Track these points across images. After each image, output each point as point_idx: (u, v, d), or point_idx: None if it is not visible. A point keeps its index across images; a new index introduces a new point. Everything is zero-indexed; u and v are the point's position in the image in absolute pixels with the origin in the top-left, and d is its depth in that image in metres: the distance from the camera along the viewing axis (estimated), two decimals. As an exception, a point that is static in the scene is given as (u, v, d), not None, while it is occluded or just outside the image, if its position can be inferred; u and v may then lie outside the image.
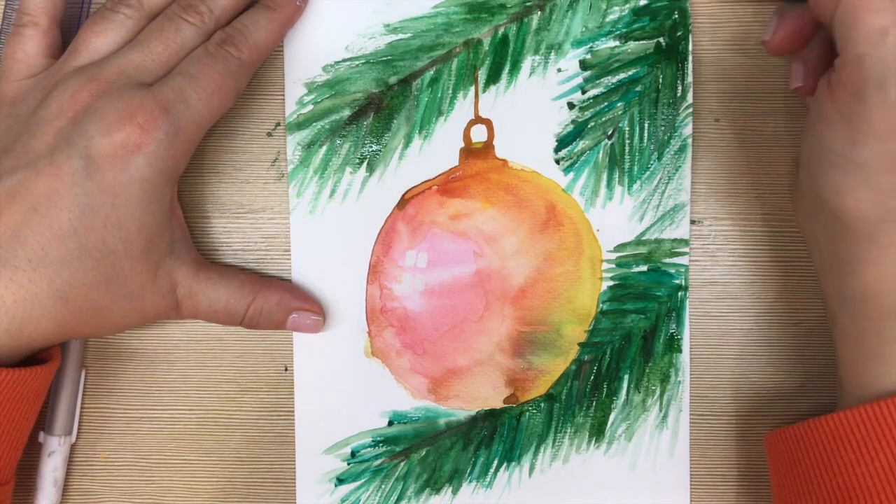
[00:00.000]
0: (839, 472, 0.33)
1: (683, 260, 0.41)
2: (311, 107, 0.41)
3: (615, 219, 0.41)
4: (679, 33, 0.40)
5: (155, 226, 0.36)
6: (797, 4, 0.36)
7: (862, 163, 0.32)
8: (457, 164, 0.41)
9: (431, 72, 0.41)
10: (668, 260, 0.41)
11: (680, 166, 0.41)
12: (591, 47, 0.41)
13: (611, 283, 0.41)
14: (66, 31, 0.40)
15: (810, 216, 0.36)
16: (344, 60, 0.41)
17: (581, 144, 0.41)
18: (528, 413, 0.42)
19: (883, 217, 0.32)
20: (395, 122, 0.41)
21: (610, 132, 0.41)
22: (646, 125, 0.41)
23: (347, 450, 0.42)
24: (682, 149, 0.41)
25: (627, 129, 0.41)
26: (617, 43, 0.41)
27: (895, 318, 0.33)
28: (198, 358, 0.42)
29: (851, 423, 0.33)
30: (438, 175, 0.41)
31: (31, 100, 0.36)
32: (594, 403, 0.41)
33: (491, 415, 0.42)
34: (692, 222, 0.41)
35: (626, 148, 0.41)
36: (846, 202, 0.33)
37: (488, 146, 0.41)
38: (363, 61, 0.41)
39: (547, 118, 0.41)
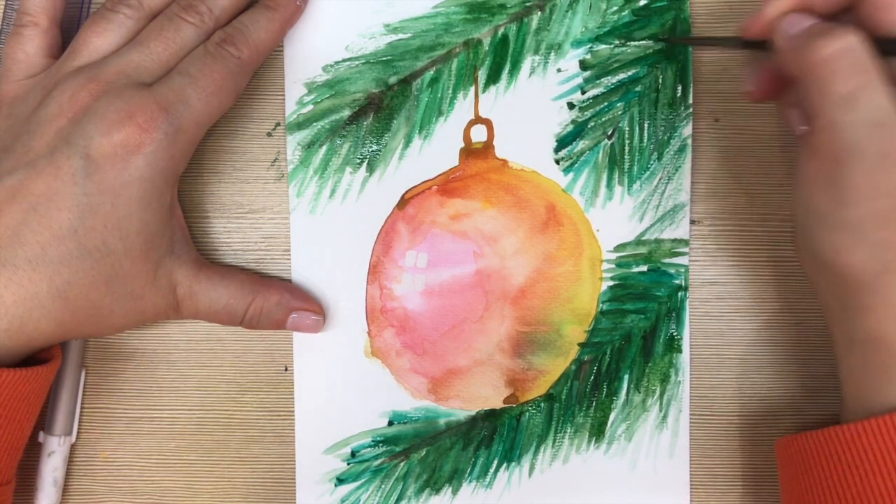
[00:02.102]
0: (853, 482, 0.33)
1: (683, 260, 0.41)
2: (311, 107, 0.41)
3: (615, 219, 0.41)
4: (678, 33, 0.40)
5: (155, 226, 0.36)
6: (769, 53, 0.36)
7: (853, 222, 0.32)
8: (457, 164, 0.41)
9: (431, 72, 0.41)
10: (667, 260, 0.41)
11: (680, 166, 0.41)
12: (591, 47, 0.41)
13: (611, 283, 0.41)
14: (66, 31, 0.40)
15: (811, 268, 0.36)
16: (344, 60, 0.41)
17: (581, 144, 0.41)
18: (528, 413, 0.42)
19: (882, 270, 0.32)
20: (395, 122, 0.41)
21: (610, 132, 0.41)
22: (646, 125, 0.41)
23: (347, 450, 0.42)
24: (681, 149, 0.41)
25: (627, 129, 0.41)
26: (616, 43, 0.41)
27: None
28: (198, 358, 0.42)
29: (868, 433, 0.33)
30: (438, 175, 0.41)
31: (31, 100, 0.36)
32: (594, 403, 0.41)
33: (491, 415, 0.42)
34: (692, 222, 0.41)
35: (626, 148, 0.41)
36: (843, 260, 0.33)
37: (488, 146, 0.41)
38: (363, 61, 0.41)
39: (547, 118, 0.41)
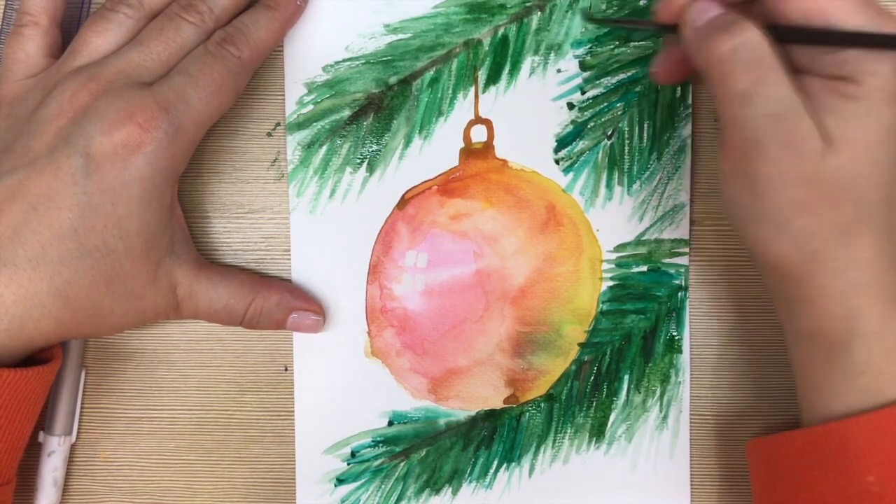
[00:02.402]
0: (803, 487, 0.33)
1: (683, 260, 0.41)
2: (311, 107, 0.41)
3: (615, 219, 0.41)
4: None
5: (155, 225, 0.36)
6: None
7: (771, 213, 0.32)
8: (457, 164, 0.41)
9: (431, 72, 0.41)
10: (668, 260, 0.41)
11: (680, 166, 0.41)
12: (591, 48, 0.41)
13: (611, 283, 0.41)
14: (66, 31, 0.40)
15: (756, 263, 0.36)
16: (344, 60, 0.41)
17: (581, 145, 0.41)
18: (528, 413, 0.42)
19: (809, 260, 0.32)
20: (395, 122, 0.41)
21: (609, 132, 0.41)
22: (645, 125, 0.41)
23: (347, 450, 0.42)
24: (681, 149, 0.41)
25: (627, 129, 0.41)
26: (616, 43, 0.41)
27: (838, 351, 0.33)
28: (198, 358, 0.42)
29: (818, 440, 0.33)
30: (438, 175, 0.41)
31: (31, 100, 0.36)
32: (594, 404, 0.41)
33: (491, 415, 0.42)
34: (692, 222, 0.41)
35: (626, 148, 0.41)
36: (770, 251, 0.33)
37: (488, 146, 0.41)
38: (363, 61, 0.41)
39: (547, 118, 0.41)
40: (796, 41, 0.32)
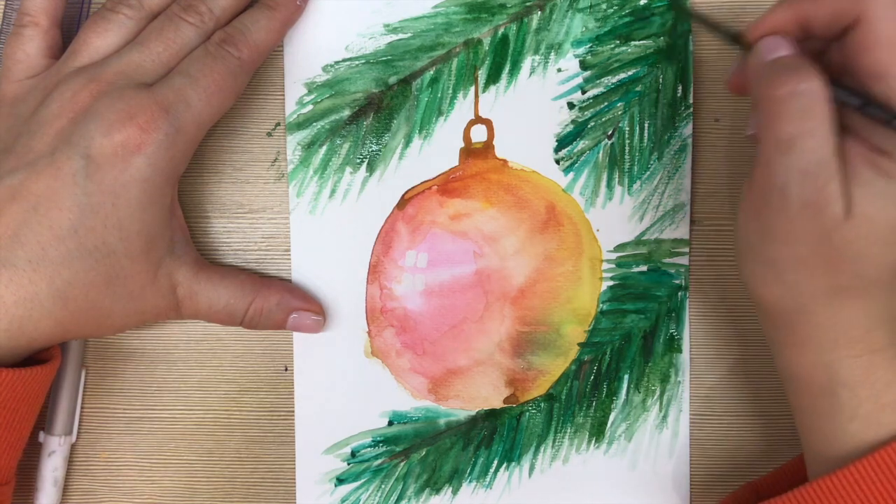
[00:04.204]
0: None
1: (683, 260, 0.41)
2: (311, 107, 0.41)
3: (615, 219, 0.41)
4: (679, 33, 0.40)
5: (155, 226, 0.36)
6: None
7: (772, 260, 0.32)
8: (457, 164, 0.41)
9: (431, 72, 0.41)
10: (668, 260, 0.41)
11: (680, 166, 0.41)
12: (591, 47, 0.41)
13: (611, 283, 0.41)
14: (66, 31, 0.40)
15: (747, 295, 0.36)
16: (344, 60, 0.41)
17: (581, 144, 0.41)
18: (528, 413, 0.42)
19: (797, 310, 0.32)
20: (395, 122, 0.41)
21: (610, 132, 0.41)
22: (646, 125, 0.41)
23: (347, 450, 0.42)
24: (682, 149, 0.41)
25: (627, 129, 0.41)
26: (617, 42, 0.41)
27: (825, 398, 0.33)
28: (198, 358, 0.42)
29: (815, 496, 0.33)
30: (438, 175, 0.41)
31: (32, 100, 0.36)
32: (594, 403, 0.41)
33: (491, 415, 0.42)
34: (692, 222, 0.41)
35: (626, 148, 0.41)
36: (763, 293, 0.33)
37: (488, 146, 0.41)
38: (363, 61, 0.41)
39: (547, 118, 0.41)
40: (856, 107, 0.31)
